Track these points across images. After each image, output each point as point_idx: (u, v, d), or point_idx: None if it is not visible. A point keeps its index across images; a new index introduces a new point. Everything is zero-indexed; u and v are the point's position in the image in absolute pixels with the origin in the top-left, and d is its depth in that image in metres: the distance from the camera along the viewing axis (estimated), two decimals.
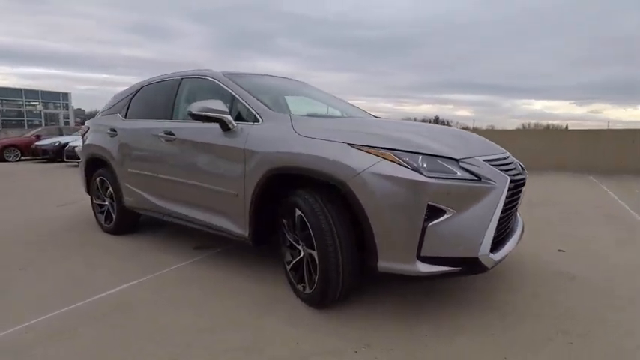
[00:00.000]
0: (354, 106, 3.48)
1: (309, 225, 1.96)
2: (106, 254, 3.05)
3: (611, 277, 2.52)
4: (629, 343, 1.76)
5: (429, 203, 1.72)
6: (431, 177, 1.73)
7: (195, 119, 2.44)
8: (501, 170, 1.95)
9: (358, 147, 1.87)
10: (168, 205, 2.96)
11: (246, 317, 2.02)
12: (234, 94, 2.57)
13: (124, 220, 3.56)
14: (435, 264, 1.77)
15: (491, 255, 1.83)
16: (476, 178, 1.81)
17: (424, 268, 1.76)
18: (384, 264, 1.81)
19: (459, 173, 1.80)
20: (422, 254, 1.75)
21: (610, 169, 8.93)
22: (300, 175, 2.08)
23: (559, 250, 3.10)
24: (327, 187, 1.97)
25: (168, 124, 2.94)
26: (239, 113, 2.52)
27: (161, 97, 3.22)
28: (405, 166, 1.76)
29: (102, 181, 3.66)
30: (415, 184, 1.72)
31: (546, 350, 1.70)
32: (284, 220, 2.24)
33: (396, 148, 1.82)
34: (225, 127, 2.42)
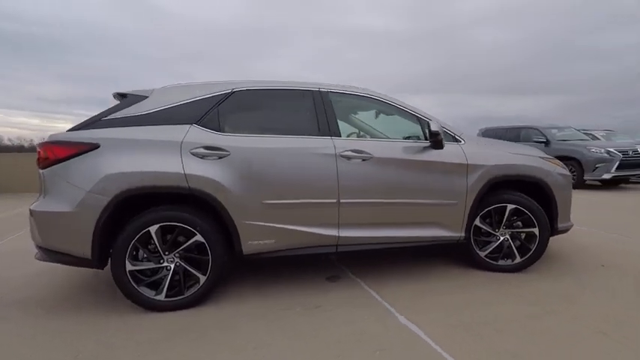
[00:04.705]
0: None
1: (529, 211, 2.91)
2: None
3: None
4: None
5: None
6: None
7: (431, 137, 2.69)
8: None
9: (545, 159, 3.08)
10: (350, 232, 2.62)
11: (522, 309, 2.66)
12: (424, 118, 2.88)
13: (219, 278, 2.47)
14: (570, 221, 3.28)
15: None
16: None
17: (571, 223, 3.23)
18: (560, 225, 3.10)
19: None
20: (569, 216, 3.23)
21: None
22: (511, 180, 2.96)
23: None
24: (523, 185, 3.02)
25: (342, 142, 2.61)
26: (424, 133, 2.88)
27: (297, 111, 2.74)
28: (565, 168, 3.19)
29: (165, 230, 2.32)
30: (570, 177, 3.19)
31: None
32: (479, 217, 2.97)
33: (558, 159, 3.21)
34: (439, 145, 2.76)
